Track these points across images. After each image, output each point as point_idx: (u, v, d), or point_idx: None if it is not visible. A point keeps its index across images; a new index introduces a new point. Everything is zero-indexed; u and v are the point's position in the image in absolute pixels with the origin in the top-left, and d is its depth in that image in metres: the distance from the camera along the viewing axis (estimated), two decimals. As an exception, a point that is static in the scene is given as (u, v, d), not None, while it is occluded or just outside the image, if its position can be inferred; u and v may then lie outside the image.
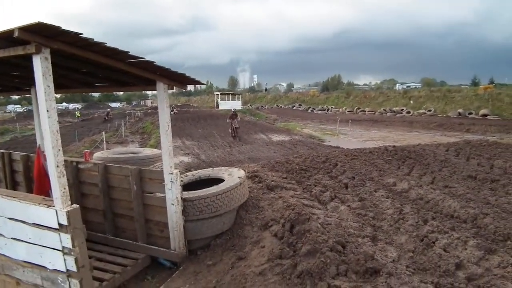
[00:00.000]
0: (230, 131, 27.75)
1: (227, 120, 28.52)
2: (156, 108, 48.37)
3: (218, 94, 68.74)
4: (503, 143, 12.99)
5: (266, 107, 74.62)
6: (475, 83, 79.59)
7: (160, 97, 5.04)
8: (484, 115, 42.24)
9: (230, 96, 66.67)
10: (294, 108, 71.23)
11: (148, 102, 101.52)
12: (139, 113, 53.09)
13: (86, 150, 9.58)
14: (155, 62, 4.46)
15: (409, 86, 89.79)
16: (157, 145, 19.76)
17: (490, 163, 9.63)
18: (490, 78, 78.01)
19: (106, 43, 3.66)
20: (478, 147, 11.50)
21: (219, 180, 6.19)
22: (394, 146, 10.92)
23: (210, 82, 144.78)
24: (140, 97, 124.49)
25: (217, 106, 62.10)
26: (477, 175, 8.49)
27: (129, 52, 4.03)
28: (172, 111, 41.67)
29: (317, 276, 4.21)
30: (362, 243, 5.04)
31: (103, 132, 24.29)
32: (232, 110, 31.62)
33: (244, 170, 7.09)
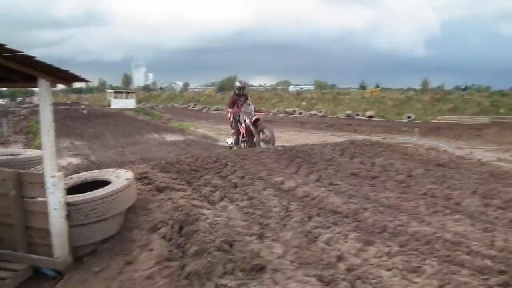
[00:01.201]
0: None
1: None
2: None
3: (111, 92, 66.53)
4: (384, 142, 13.94)
5: (160, 106, 73.48)
6: (362, 87, 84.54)
7: (42, 95, 4.80)
8: (370, 117, 45.05)
9: (124, 94, 64.77)
10: (189, 107, 70.77)
11: (35, 99, 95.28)
12: (24, 111, 49.74)
13: (-42, 153, 8.81)
14: (35, 57, 4.23)
15: (302, 88, 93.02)
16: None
17: (371, 161, 10.28)
18: (376, 83, 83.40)
19: (-22, 35, 3.42)
20: (362, 146, 12.22)
21: (106, 182, 6.01)
22: (283, 146, 11.28)
23: (103, 79, 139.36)
24: (26, 94, 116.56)
25: (109, 104, 60.09)
26: (360, 172, 9.02)
27: (5, 44, 3.78)
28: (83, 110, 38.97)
29: (204, 276, 4.25)
30: (250, 241, 5.15)
31: (-19, 132, 22.50)
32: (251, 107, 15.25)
33: (133, 171, 6.94)
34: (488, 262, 4.73)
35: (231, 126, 13.06)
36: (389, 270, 4.58)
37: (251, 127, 11.92)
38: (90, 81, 6.35)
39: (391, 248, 5.09)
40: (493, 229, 5.89)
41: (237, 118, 12.57)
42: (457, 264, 4.68)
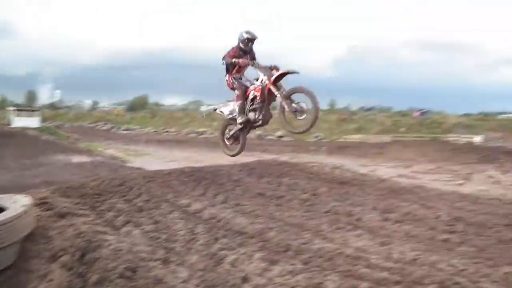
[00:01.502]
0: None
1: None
2: None
3: (12, 110, 62.81)
4: (291, 162, 14.34)
5: (67, 126, 70.49)
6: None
7: None
8: (280, 137, 46.10)
9: (27, 112, 61.37)
10: (98, 127, 68.45)
11: None
12: None
13: None
14: None
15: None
16: None
17: (278, 181, 10.54)
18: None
19: None
20: (269, 166, 12.48)
21: (1, 209, 5.66)
22: (190, 167, 11.25)
23: (4, 96, 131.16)
24: None
25: (10, 123, 56.64)
26: (266, 192, 9.22)
27: None
28: None
29: (104, 305, 4.12)
30: (154, 266, 5.08)
31: None
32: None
33: (32, 197, 6.59)
34: (385, 274, 5.04)
35: (232, 88, 8.02)
36: (293, 287, 4.71)
37: (272, 88, 7.07)
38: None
39: (295, 266, 5.26)
40: (390, 242, 6.29)
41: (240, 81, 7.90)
42: (357, 277, 4.94)
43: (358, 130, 46.92)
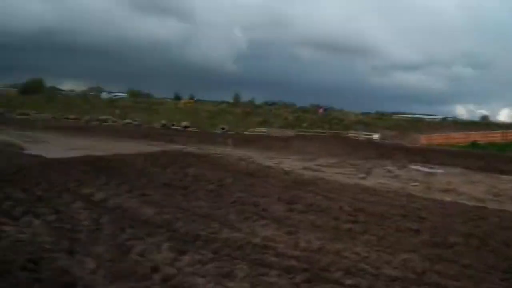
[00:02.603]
0: None
1: None
2: None
3: None
4: (196, 153, 14.32)
5: None
6: (177, 98, 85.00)
7: None
8: (186, 127, 45.75)
9: None
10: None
11: None
12: None
13: None
14: None
15: (116, 96, 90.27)
16: None
17: (184, 172, 10.46)
18: (190, 94, 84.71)
19: None
20: (175, 156, 12.36)
21: None
22: (93, 156, 10.86)
23: None
24: None
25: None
26: (172, 182, 9.12)
27: None
28: None
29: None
30: (58, 257, 4.82)
31: None
32: None
33: None
34: (293, 262, 5.19)
35: None
36: (203, 277, 4.69)
37: None
38: None
39: (204, 255, 5.23)
40: (296, 231, 6.47)
41: None
42: (266, 266, 5.04)
43: (263, 124, 47.83)
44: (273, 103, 59.64)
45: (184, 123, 46.88)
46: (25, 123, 41.16)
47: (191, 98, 74.33)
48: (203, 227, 6.36)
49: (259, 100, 78.06)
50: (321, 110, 55.92)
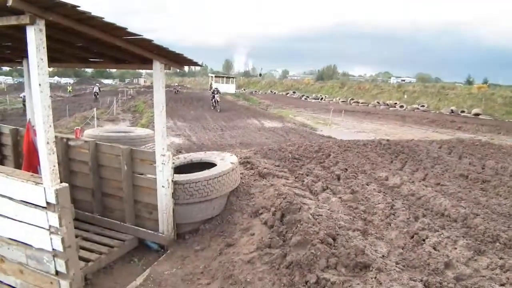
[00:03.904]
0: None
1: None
2: (148, 87, 47.72)
3: (212, 77, 68.23)
4: (495, 144, 13.01)
5: (260, 93, 74.31)
6: (469, 82, 79.65)
7: (156, 77, 4.92)
8: (477, 114, 42.31)
9: (225, 79, 66.09)
10: (288, 95, 70.88)
11: (141, 81, 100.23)
12: (131, 91, 52.54)
13: (77, 127, 9.45)
14: (152, 40, 4.32)
15: (404, 80, 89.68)
16: (149, 124, 19.60)
17: (482, 163, 9.63)
18: (484, 78, 78.19)
19: (103, 18, 3.54)
20: (471, 146, 11.50)
21: (211, 165, 6.10)
22: (388, 140, 10.87)
23: (205, 64, 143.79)
24: (134, 75, 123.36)
25: (211, 88, 61.63)
26: (469, 174, 8.48)
27: (127, 28, 3.90)
28: (176, 91, 44.54)
29: (306, 268, 4.17)
30: (353, 236, 5.00)
31: (95, 109, 23.97)
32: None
33: (237, 156, 7.00)
34: None
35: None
36: (502, 285, 4.24)
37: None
38: (200, 65, 6.45)
39: (505, 261, 4.70)
40: None
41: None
42: None
43: None
44: None
45: (475, 110, 43.45)
46: (318, 107, 44.27)
47: (485, 82, 68.46)
48: (504, 228, 5.73)
49: None
50: None
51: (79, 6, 3.22)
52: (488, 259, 4.77)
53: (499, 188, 7.79)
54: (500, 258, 4.78)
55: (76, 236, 4.18)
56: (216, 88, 36.42)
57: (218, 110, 32.83)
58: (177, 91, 49.01)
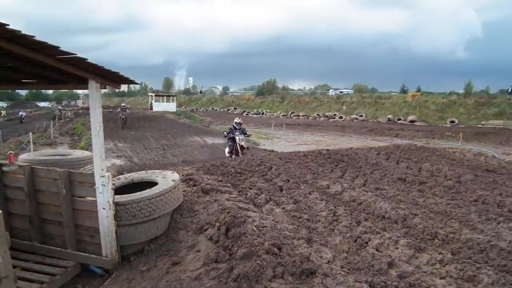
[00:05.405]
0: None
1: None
2: (87, 108, 46.50)
3: (152, 96, 67.49)
4: (429, 147, 13.62)
5: (201, 110, 74.23)
6: (404, 91, 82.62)
7: (92, 97, 4.84)
8: (412, 121, 44.16)
9: (165, 97, 65.53)
10: (229, 111, 71.22)
11: (79, 102, 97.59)
12: (69, 113, 51.02)
13: (10, 152, 9.06)
14: (87, 59, 4.26)
15: (342, 92, 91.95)
16: (88, 147, 19.11)
17: (418, 166, 10.04)
18: (418, 86, 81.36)
19: (34, 36, 3.46)
20: (407, 151, 11.96)
21: (153, 183, 6.03)
22: (327, 150, 11.13)
23: (144, 83, 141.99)
24: (71, 97, 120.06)
25: (151, 107, 60.89)
26: (407, 177, 8.81)
27: (59, 47, 3.83)
28: (122, 116, 34.66)
29: (253, 279, 4.18)
30: (298, 245, 5.06)
31: (30, 133, 23.10)
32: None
33: (179, 173, 6.96)
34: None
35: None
36: (442, 278, 4.43)
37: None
38: (138, 83, 6.42)
39: (443, 255, 4.92)
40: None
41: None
42: (514, 273, 4.50)
43: (498, 115, 43.10)
44: (511, 91, 52.71)
45: (411, 117, 45.34)
46: (259, 122, 44.71)
47: (418, 90, 71.40)
48: (441, 225, 6.00)
49: (494, 89, 71.03)
50: None
51: (8, 25, 3.14)
52: (428, 255, 4.97)
53: (435, 188, 8.14)
54: (439, 254, 4.99)
55: (14, 267, 4.01)
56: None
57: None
58: (125, 118, 35.26)
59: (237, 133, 15.72)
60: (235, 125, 15.97)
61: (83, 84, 4.89)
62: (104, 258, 5.16)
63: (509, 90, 53.07)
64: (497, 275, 4.38)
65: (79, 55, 4.09)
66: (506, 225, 6.16)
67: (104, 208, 4.99)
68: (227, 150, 16.31)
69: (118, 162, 17.20)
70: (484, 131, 33.73)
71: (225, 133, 16.41)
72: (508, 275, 4.46)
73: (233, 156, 16.14)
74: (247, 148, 16.39)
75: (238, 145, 15.49)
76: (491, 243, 5.32)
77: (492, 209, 7.01)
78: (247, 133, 16.58)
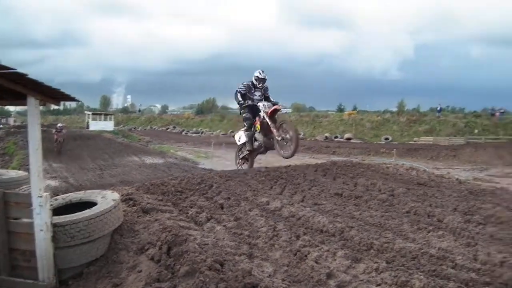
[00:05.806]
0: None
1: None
2: (19, 127, 44.69)
3: (89, 114, 65.92)
4: (364, 163, 14.09)
5: (139, 129, 73.16)
6: (340, 110, 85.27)
7: (31, 113, 4.73)
8: (348, 139, 45.67)
9: (102, 116, 64.14)
10: (168, 130, 70.59)
11: (11, 120, 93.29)
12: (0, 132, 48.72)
13: None
14: (27, 74, 4.17)
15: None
16: (20, 167, 18.40)
17: (354, 182, 10.37)
18: (354, 105, 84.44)
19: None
20: (344, 167, 12.31)
21: (92, 204, 5.94)
22: (266, 167, 11.27)
23: (81, 101, 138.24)
24: (2, 114, 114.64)
25: (88, 126, 59.43)
26: (343, 192, 9.09)
27: (-2, 61, 3.75)
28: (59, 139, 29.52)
29: (196, 296, 4.22)
30: (240, 260, 5.14)
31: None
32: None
33: (118, 193, 6.88)
34: (473, 275, 4.86)
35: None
36: (378, 285, 4.67)
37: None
38: (79, 100, 6.32)
39: (379, 264, 5.16)
40: (475, 244, 6.04)
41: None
42: (444, 277, 4.82)
43: (429, 132, 45.55)
44: (440, 110, 55.85)
45: (347, 135, 46.81)
46: (199, 141, 44.62)
47: (354, 109, 73.91)
48: (376, 236, 6.27)
49: (425, 107, 74.77)
50: (497, 114, 50.22)
51: None
52: (364, 265, 5.19)
53: (370, 202, 8.46)
54: (375, 263, 5.22)
55: None
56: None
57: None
58: (61, 141, 30.24)
59: (257, 96, 10.61)
60: (254, 81, 10.39)
61: (20, 100, 4.78)
62: (41, 283, 5.01)
63: (438, 109, 56.06)
64: (427, 279, 4.67)
65: (17, 69, 4.01)
66: (435, 234, 6.52)
67: (41, 230, 4.87)
68: (240, 136, 11.25)
69: (53, 183, 16.69)
70: (416, 147, 35.57)
71: (238, 96, 10.47)
72: (437, 278, 4.77)
73: (256, 145, 11.11)
74: (285, 124, 10.56)
75: (265, 116, 10.00)
76: (422, 251, 5.63)
77: (423, 220, 7.39)
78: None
